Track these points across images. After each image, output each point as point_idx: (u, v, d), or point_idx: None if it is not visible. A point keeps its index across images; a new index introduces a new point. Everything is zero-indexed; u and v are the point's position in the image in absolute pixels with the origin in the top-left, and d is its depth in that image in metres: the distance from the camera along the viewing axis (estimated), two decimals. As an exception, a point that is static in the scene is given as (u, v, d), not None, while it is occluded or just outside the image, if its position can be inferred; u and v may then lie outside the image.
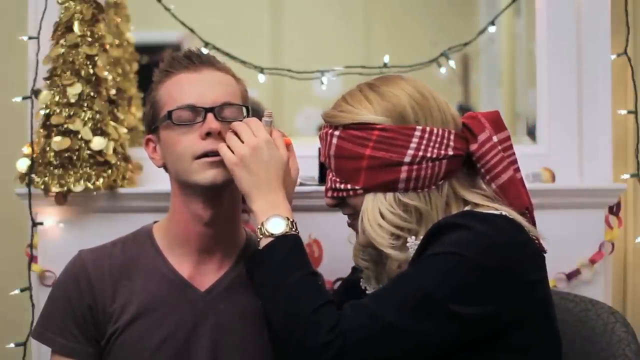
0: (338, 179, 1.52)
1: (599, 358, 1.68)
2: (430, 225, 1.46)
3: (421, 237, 1.47)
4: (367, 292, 1.62)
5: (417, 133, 1.48)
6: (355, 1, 4.33)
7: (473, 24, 4.00)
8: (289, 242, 1.46)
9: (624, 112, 2.24)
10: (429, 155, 1.47)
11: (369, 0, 4.31)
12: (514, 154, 1.54)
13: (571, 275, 2.15)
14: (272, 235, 1.46)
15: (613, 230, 2.17)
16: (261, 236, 1.47)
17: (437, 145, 1.48)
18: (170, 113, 1.61)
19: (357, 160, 1.49)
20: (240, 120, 1.61)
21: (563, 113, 2.22)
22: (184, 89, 1.63)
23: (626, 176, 2.22)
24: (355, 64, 2.42)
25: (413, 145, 1.47)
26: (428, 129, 1.48)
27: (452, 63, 2.40)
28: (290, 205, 1.55)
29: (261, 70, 2.44)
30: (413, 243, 1.48)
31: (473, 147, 1.50)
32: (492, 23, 2.47)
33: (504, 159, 1.49)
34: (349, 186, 1.51)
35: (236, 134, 1.56)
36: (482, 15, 4.09)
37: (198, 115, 1.61)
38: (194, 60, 1.65)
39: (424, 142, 1.48)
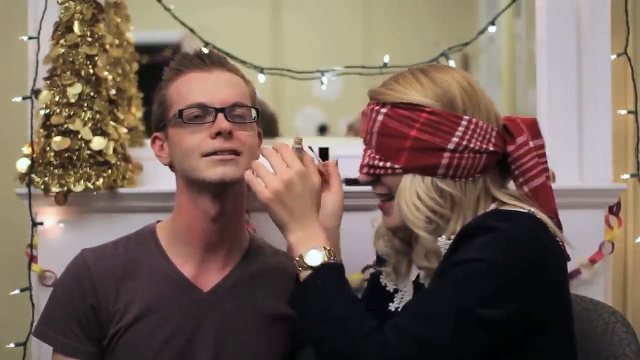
0: (377, 156, 1.52)
1: (600, 358, 1.68)
2: (461, 215, 1.48)
3: (451, 227, 1.48)
4: (387, 288, 1.64)
5: (464, 122, 1.49)
6: (355, 1, 4.33)
7: (473, 24, 4.01)
8: (329, 273, 1.46)
9: (624, 112, 2.24)
10: (472, 146, 1.48)
11: (369, 0, 4.32)
12: (546, 162, 1.55)
13: (571, 275, 2.14)
14: (311, 267, 1.46)
15: (613, 230, 2.17)
16: (300, 269, 1.47)
17: (480, 138, 1.49)
18: (181, 112, 1.62)
19: (401, 139, 1.49)
20: (252, 122, 1.63)
21: (563, 113, 2.22)
22: (194, 88, 1.63)
23: (626, 176, 2.22)
24: (355, 64, 2.42)
25: (458, 133, 1.48)
26: (474, 120, 1.49)
27: (452, 63, 2.40)
28: (336, 237, 1.61)
29: (261, 70, 2.44)
30: (444, 242, 1.48)
31: (510, 148, 1.51)
32: (492, 23, 2.47)
33: (538, 165, 1.51)
34: (388, 164, 1.51)
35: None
36: (482, 15, 4.09)
37: (208, 114, 1.61)
38: (205, 60, 1.66)
39: (469, 132, 1.48)
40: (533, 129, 1.54)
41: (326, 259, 1.46)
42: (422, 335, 1.36)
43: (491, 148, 1.49)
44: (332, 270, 1.46)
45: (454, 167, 1.48)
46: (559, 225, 1.52)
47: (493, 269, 1.37)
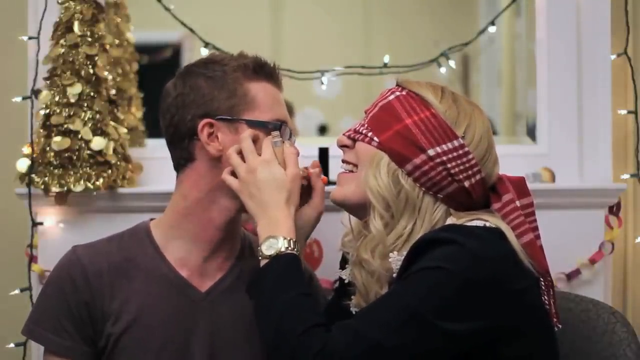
0: (366, 125, 1.55)
1: (600, 358, 1.68)
2: (412, 220, 1.48)
3: (399, 228, 1.48)
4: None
5: (455, 143, 1.49)
6: (355, 1, 4.33)
7: (473, 24, 4.00)
8: (282, 263, 1.46)
9: (624, 112, 2.24)
10: (448, 166, 1.48)
11: (369, 0, 4.31)
12: (535, 220, 1.53)
13: (571, 275, 2.15)
14: (267, 257, 1.47)
15: (613, 230, 2.17)
16: (260, 258, 1.49)
17: (461, 167, 1.48)
18: (281, 126, 1.62)
19: (395, 121, 1.51)
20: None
21: (563, 113, 2.22)
22: (281, 106, 1.66)
23: (626, 176, 2.22)
24: (355, 64, 2.42)
25: (444, 147, 1.48)
26: (467, 149, 1.49)
27: (452, 63, 2.40)
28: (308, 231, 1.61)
29: (261, 70, 2.44)
30: (396, 258, 1.48)
31: (497, 205, 1.50)
32: (492, 23, 2.47)
33: (524, 223, 1.49)
34: (370, 134, 1.53)
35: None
36: (482, 15, 4.09)
37: (285, 136, 1.63)
38: (278, 77, 1.67)
39: (454, 153, 1.48)
40: (520, 187, 1.53)
41: (283, 248, 1.47)
42: (370, 336, 1.34)
43: (465, 184, 1.48)
44: (284, 261, 1.46)
45: (422, 172, 1.48)
46: (550, 284, 1.51)
47: (454, 280, 1.36)
